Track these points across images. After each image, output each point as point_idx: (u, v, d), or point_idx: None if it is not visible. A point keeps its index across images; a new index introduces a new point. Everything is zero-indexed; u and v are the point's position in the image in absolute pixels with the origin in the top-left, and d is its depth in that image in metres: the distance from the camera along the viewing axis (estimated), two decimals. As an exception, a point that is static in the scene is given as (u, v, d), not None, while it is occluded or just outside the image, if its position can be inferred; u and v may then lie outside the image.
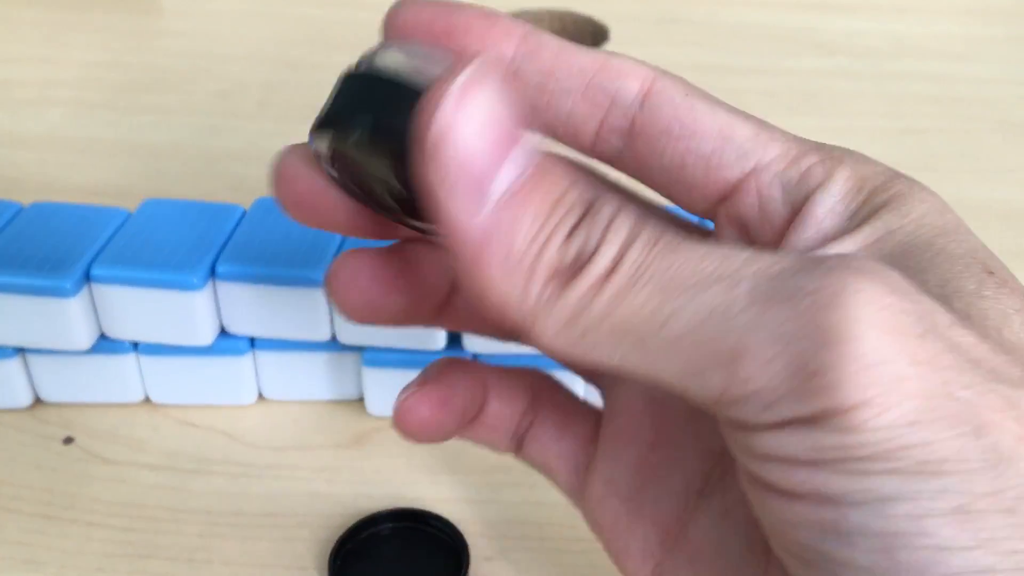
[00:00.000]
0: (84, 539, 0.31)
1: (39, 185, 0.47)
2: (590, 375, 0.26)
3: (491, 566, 0.30)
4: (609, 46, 0.62)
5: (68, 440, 0.34)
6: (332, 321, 0.33)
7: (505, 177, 0.17)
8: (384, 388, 0.34)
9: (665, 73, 0.21)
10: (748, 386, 0.15)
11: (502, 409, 0.25)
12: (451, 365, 0.24)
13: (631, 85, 0.21)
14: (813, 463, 0.15)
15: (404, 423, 0.23)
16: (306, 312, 0.33)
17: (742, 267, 0.16)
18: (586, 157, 0.21)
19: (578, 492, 0.24)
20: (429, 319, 0.24)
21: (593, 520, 0.24)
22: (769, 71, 0.59)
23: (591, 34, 0.65)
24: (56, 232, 0.34)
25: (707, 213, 0.22)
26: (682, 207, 0.22)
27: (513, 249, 0.17)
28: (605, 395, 0.25)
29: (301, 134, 0.54)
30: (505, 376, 0.25)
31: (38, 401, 0.35)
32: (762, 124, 0.21)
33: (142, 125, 0.52)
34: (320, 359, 0.35)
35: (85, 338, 0.33)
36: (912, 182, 0.20)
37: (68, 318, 0.32)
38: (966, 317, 0.17)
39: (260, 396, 0.36)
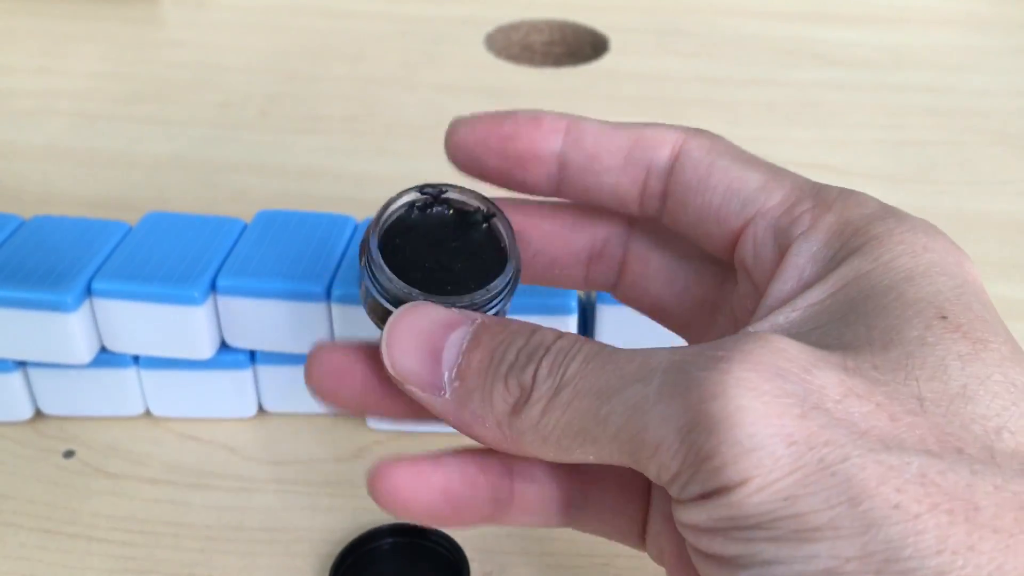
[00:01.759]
0: (85, 554, 0.31)
1: (40, 197, 0.47)
2: None
3: (491, 581, 0.30)
4: (610, 57, 0.62)
5: (69, 453, 0.34)
6: (333, 336, 0.33)
7: (447, 365, 0.21)
8: (384, 402, 0.35)
9: (696, 133, 0.24)
10: (668, 472, 0.18)
11: (542, 490, 0.24)
12: (461, 454, 0.23)
13: (663, 153, 0.24)
14: (713, 531, 0.18)
15: (377, 491, 0.22)
16: (307, 326, 0.33)
17: (656, 364, 0.19)
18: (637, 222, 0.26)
19: (641, 543, 0.25)
20: (424, 416, 0.23)
21: (664, 564, 0.24)
22: (768, 82, 0.59)
23: (590, 44, 0.65)
24: (57, 246, 0.34)
25: (727, 261, 0.24)
26: (713, 254, 0.24)
27: (473, 405, 0.21)
28: None
29: (301, 146, 0.55)
30: (537, 464, 0.24)
31: (39, 414, 0.35)
32: (775, 173, 0.23)
33: (143, 136, 0.52)
34: (320, 373, 0.35)
35: (86, 352, 0.33)
36: (899, 220, 0.21)
37: (69, 332, 0.32)
38: (902, 366, 0.18)
39: (260, 409, 0.36)
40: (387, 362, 0.21)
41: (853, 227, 0.21)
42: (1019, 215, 0.48)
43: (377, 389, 0.23)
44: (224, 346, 0.34)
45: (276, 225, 0.35)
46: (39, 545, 0.31)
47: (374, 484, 0.22)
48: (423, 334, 0.21)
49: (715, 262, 0.25)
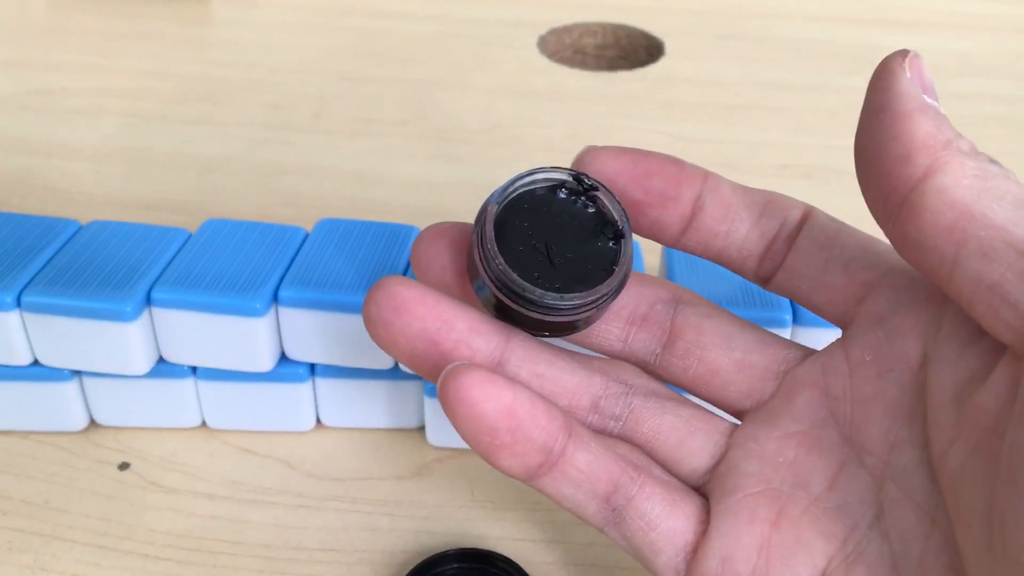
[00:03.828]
0: (140, 571, 0.30)
1: (93, 198, 0.47)
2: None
3: (559, 610, 0.29)
4: (665, 61, 0.61)
5: (124, 466, 0.34)
6: (395, 350, 0.32)
7: None
8: (446, 419, 0.33)
9: (816, 208, 0.26)
10: None
11: (592, 465, 0.24)
12: (533, 391, 0.24)
13: (794, 214, 0.25)
14: None
15: (447, 390, 0.23)
16: (369, 339, 0.32)
17: None
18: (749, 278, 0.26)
19: (679, 572, 0.24)
20: None
21: None
22: (827, 89, 0.58)
23: (645, 48, 0.64)
24: (115, 253, 0.33)
25: (843, 316, 0.25)
26: (822, 314, 0.25)
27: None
28: (715, 481, 0.25)
29: (354, 149, 0.54)
30: (599, 439, 0.25)
31: (93, 424, 0.35)
32: None
33: (195, 137, 0.52)
34: (381, 387, 0.34)
35: (144, 363, 0.32)
36: None
37: (127, 342, 0.32)
38: None
39: (318, 422, 0.35)
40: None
41: None
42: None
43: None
44: (284, 358, 0.33)
45: (338, 234, 0.34)
46: (94, 561, 0.30)
47: (446, 383, 0.23)
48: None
49: (776, 338, 0.26)
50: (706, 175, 0.25)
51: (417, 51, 0.61)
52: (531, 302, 0.24)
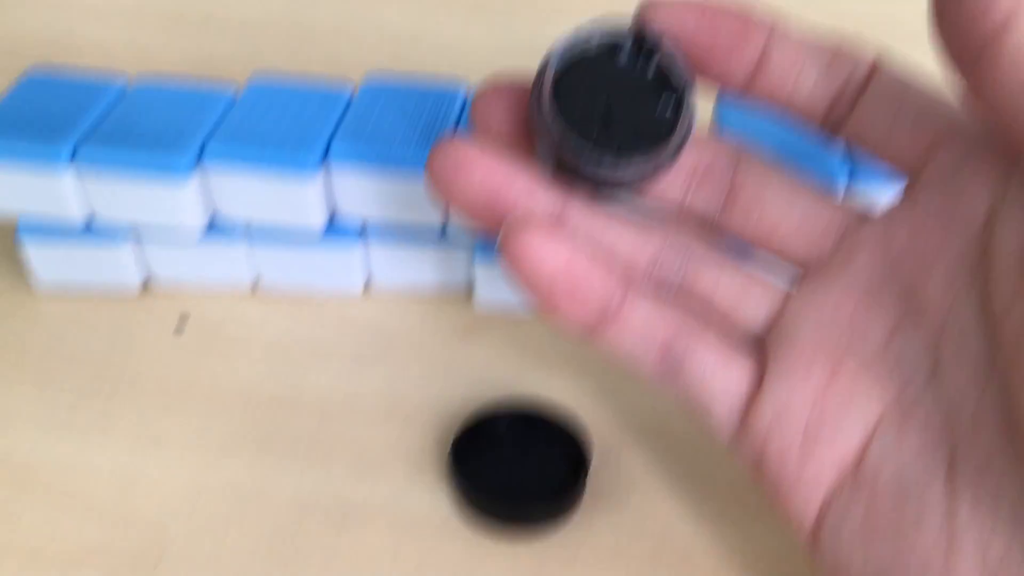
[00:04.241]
0: (203, 426, 0.31)
1: (131, 62, 0.46)
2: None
3: (608, 465, 0.30)
4: None
5: (182, 323, 0.34)
6: (447, 208, 0.32)
7: None
8: (494, 284, 0.34)
9: (887, 55, 0.25)
10: None
11: (650, 319, 0.25)
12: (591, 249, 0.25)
13: (863, 66, 0.25)
14: None
15: (508, 247, 0.24)
16: (421, 197, 0.32)
17: None
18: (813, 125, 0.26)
19: (734, 427, 0.25)
20: None
21: (755, 452, 0.25)
22: None
23: None
24: (166, 108, 0.33)
25: (912, 164, 0.25)
26: (890, 165, 0.25)
27: None
28: (772, 336, 0.26)
29: (394, 9, 0.53)
30: (656, 295, 0.25)
31: (148, 287, 0.35)
32: None
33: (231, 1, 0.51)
34: (430, 253, 0.34)
35: (197, 218, 0.33)
36: None
37: (182, 198, 0.32)
38: None
39: (369, 286, 0.35)
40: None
41: None
42: None
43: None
44: (334, 221, 0.33)
45: (386, 92, 0.34)
46: (157, 416, 0.31)
47: (507, 238, 0.24)
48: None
49: (838, 200, 0.26)
50: (774, 23, 0.25)
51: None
52: (588, 167, 0.24)
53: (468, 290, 0.35)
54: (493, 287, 0.34)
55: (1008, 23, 0.19)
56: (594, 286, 0.24)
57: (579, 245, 0.24)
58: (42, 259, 0.34)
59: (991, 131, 0.23)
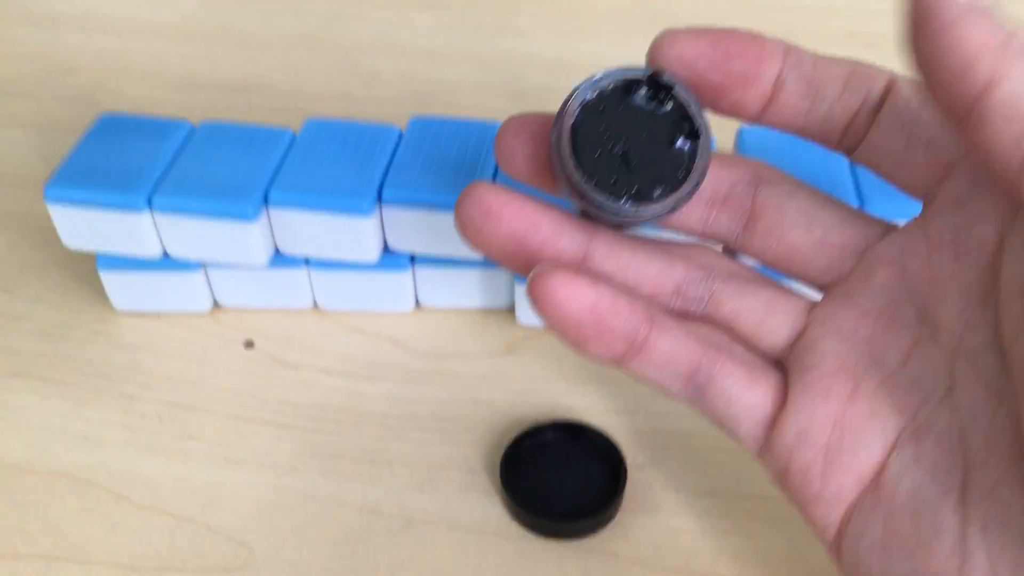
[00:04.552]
0: (276, 439, 0.35)
1: (184, 80, 0.49)
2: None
3: (642, 474, 0.33)
4: None
5: (249, 344, 0.38)
6: (489, 241, 0.36)
7: None
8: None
9: (905, 77, 0.25)
10: None
11: (674, 349, 0.26)
12: (615, 285, 0.26)
13: (878, 85, 0.25)
14: None
15: (535, 290, 0.25)
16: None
17: None
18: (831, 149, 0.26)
19: (759, 444, 0.27)
20: None
21: (780, 468, 0.26)
22: None
23: None
24: (230, 154, 0.36)
25: (925, 189, 0.25)
26: (904, 189, 0.26)
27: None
28: (793, 357, 0.27)
29: (424, 23, 0.55)
30: (681, 323, 0.27)
31: (217, 306, 0.39)
32: None
33: (271, 12, 0.53)
34: (474, 273, 0.37)
35: (263, 255, 0.36)
36: None
37: (249, 238, 0.35)
38: None
39: (418, 304, 0.39)
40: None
41: None
42: None
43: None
44: (387, 249, 0.37)
45: (431, 133, 0.37)
46: (234, 430, 0.35)
47: (534, 285, 0.25)
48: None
49: (856, 215, 0.27)
50: (787, 50, 0.25)
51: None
52: (607, 214, 0.25)
53: (510, 306, 0.38)
54: (531, 305, 0.37)
55: (989, 86, 0.20)
56: (619, 324, 0.25)
57: (603, 286, 0.25)
58: (119, 287, 0.38)
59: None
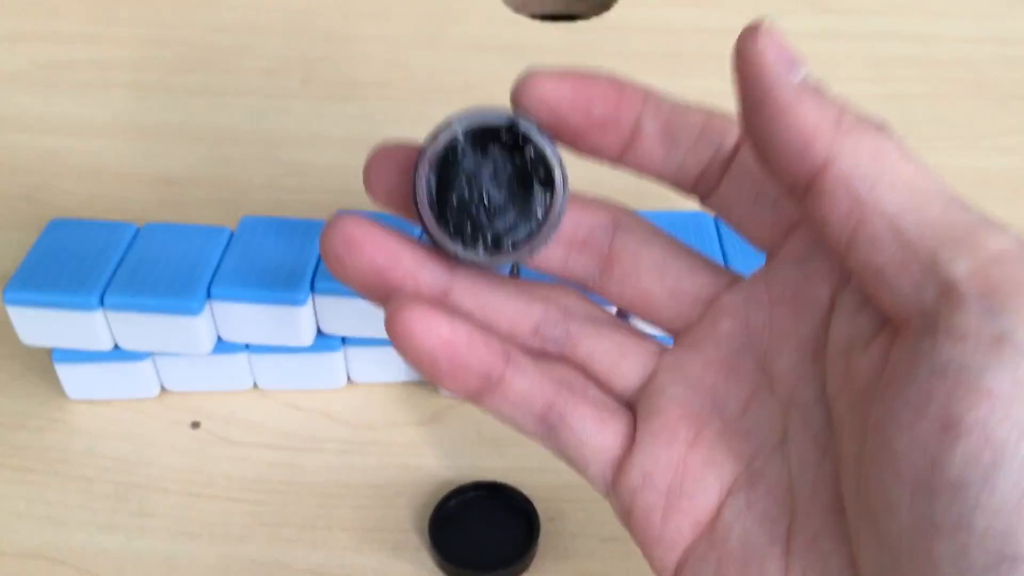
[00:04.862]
0: (225, 512, 0.38)
1: (120, 176, 0.53)
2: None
3: (554, 525, 0.38)
4: (617, 10, 0.67)
5: (195, 424, 0.41)
6: (412, 323, 0.40)
7: None
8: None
9: None
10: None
11: (529, 388, 0.26)
12: (472, 323, 0.26)
13: (730, 139, 0.26)
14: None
15: (392, 324, 0.25)
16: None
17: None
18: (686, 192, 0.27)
19: (607, 483, 0.27)
20: None
21: (624, 508, 0.27)
22: (766, 32, 0.64)
23: (599, -7, 0.70)
24: (173, 252, 0.40)
25: (770, 244, 0.27)
26: (750, 241, 0.27)
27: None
28: (643, 401, 0.27)
29: (344, 115, 0.60)
30: (536, 364, 0.27)
31: (164, 390, 0.42)
32: None
33: (199, 108, 0.57)
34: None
35: (207, 344, 0.40)
36: None
37: (194, 330, 0.39)
38: None
39: (349, 380, 0.43)
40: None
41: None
42: (992, 171, 0.54)
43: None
44: (320, 333, 0.41)
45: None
46: (187, 505, 0.38)
47: (389, 317, 0.25)
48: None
49: (707, 264, 0.28)
50: (646, 96, 0.25)
51: (391, 6, 0.66)
52: (464, 259, 0.25)
53: (431, 379, 0.43)
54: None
55: (825, 165, 0.21)
56: (474, 361, 0.25)
57: (459, 322, 0.25)
58: (73, 377, 0.41)
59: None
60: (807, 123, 0.21)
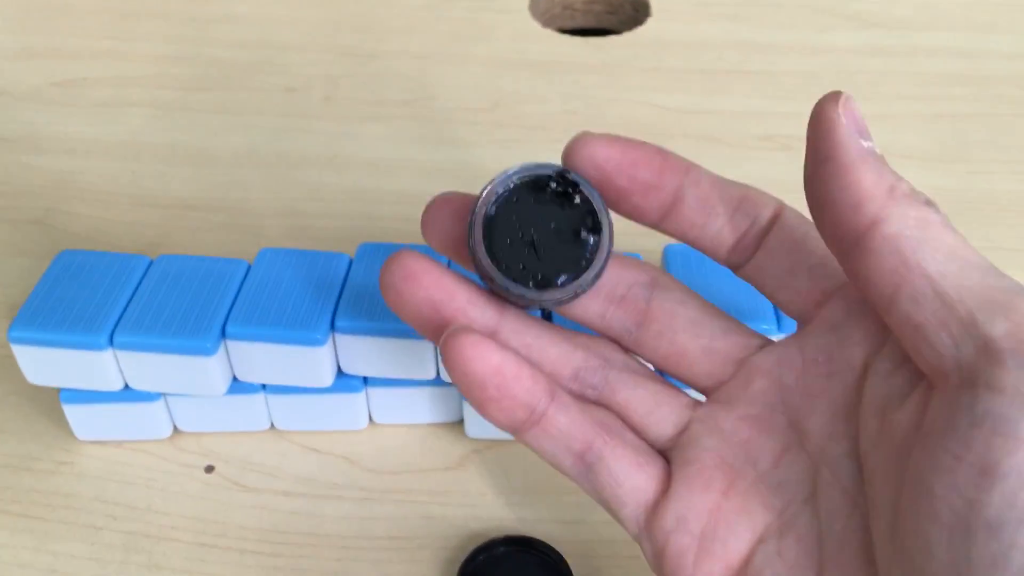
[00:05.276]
0: (240, 566, 0.36)
1: (135, 199, 0.51)
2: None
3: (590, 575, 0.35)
4: (651, 23, 0.64)
5: (209, 469, 0.39)
6: (437, 364, 0.38)
7: None
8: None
9: (790, 207, 0.29)
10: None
11: (570, 426, 0.28)
12: (520, 356, 0.28)
13: (767, 212, 0.28)
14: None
15: (446, 350, 0.27)
16: (416, 358, 0.37)
17: None
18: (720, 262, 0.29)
19: (640, 525, 0.29)
20: None
21: (657, 550, 0.28)
22: (807, 49, 0.62)
23: (631, 5, 0.67)
24: (187, 288, 0.38)
25: (802, 315, 0.28)
26: (783, 308, 0.29)
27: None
28: (677, 449, 0.29)
29: (367, 135, 0.58)
30: (577, 403, 0.29)
31: (177, 431, 0.40)
32: None
33: (218, 128, 0.55)
34: (425, 392, 0.39)
35: (222, 386, 0.38)
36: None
37: (208, 371, 0.37)
38: None
39: (371, 421, 0.41)
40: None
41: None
42: (1046, 195, 0.51)
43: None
44: (340, 372, 0.39)
45: (380, 257, 0.39)
46: (199, 558, 0.36)
47: (446, 343, 0.27)
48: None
49: (739, 327, 0.30)
50: (688, 168, 0.28)
51: (415, 21, 0.64)
52: (512, 297, 0.28)
53: (460, 419, 0.40)
54: (481, 418, 0.39)
55: (875, 223, 0.24)
56: (521, 390, 0.27)
57: (510, 352, 0.27)
58: (81, 418, 0.39)
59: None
60: (864, 184, 0.24)
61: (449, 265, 0.35)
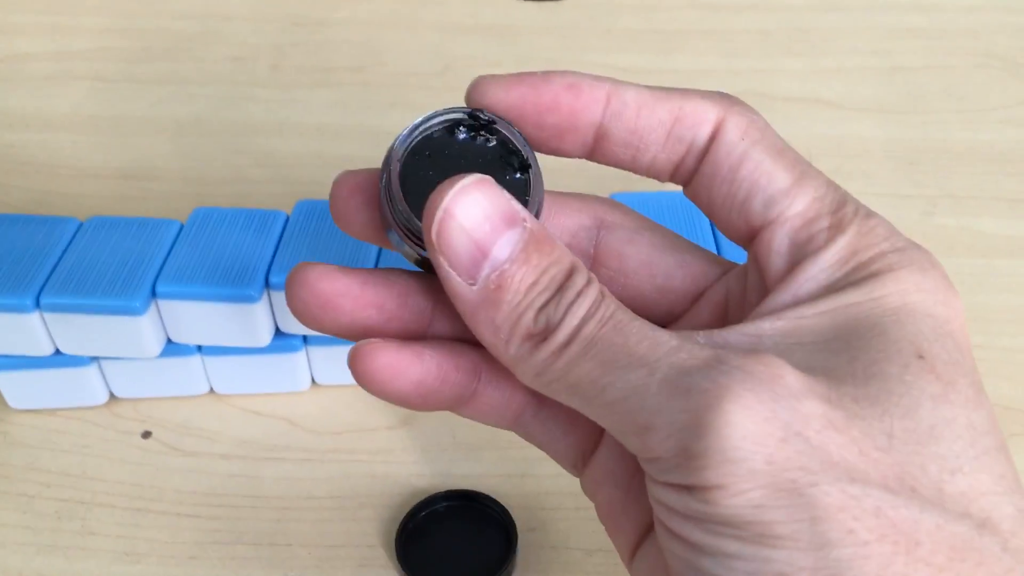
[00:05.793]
0: (176, 529, 0.35)
1: (75, 170, 0.50)
2: None
3: (534, 536, 0.34)
4: (605, -14, 0.63)
5: (146, 434, 0.38)
6: (377, 319, 0.37)
7: (496, 257, 0.22)
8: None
9: (734, 111, 0.24)
10: (652, 453, 0.20)
11: (500, 400, 0.26)
12: (440, 349, 0.25)
13: (703, 132, 0.24)
14: (686, 517, 0.20)
15: (358, 370, 0.24)
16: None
17: (664, 356, 0.21)
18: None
19: (578, 471, 0.28)
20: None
21: (590, 494, 0.28)
22: (762, 7, 0.61)
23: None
24: (117, 248, 0.37)
25: (743, 245, 0.26)
26: (728, 237, 0.26)
27: (498, 315, 0.22)
28: None
29: (316, 102, 0.57)
30: (502, 371, 0.26)
31: (113, 397, 0.39)
32: (802, 175, 0.24)
33: (162, 98, 0.54)
34: (366, 350, 0.38)
35: (155, 347, 0.37)
36: (900, 255, 0.23)
37: (139, 331, 0.36)
38: (879, 402, 0.21)
39: (313, 382, 0.40)
40: (434, 228, 0.22)
41: (861, 256, 0.23)
42: (1003, 144, 0.50)
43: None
44: (278, 332, 0.38)
45: (314, 217, 0.38)
46: (134, 523, 0.35)
47: (356, 363, 0.24)
48: (481, 218, 0.22)
49: (696, 255, 0.27)
50: (608, 96, 0.24)
51: (365, -11, 0.63)
52: None
53: (402, 380, 0.39)
54: (424, 377, 0.38)
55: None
56: (446, 389, 0.25)
57: (428, 356, 0.25)
58: (13, 386, 0.38)
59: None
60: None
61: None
